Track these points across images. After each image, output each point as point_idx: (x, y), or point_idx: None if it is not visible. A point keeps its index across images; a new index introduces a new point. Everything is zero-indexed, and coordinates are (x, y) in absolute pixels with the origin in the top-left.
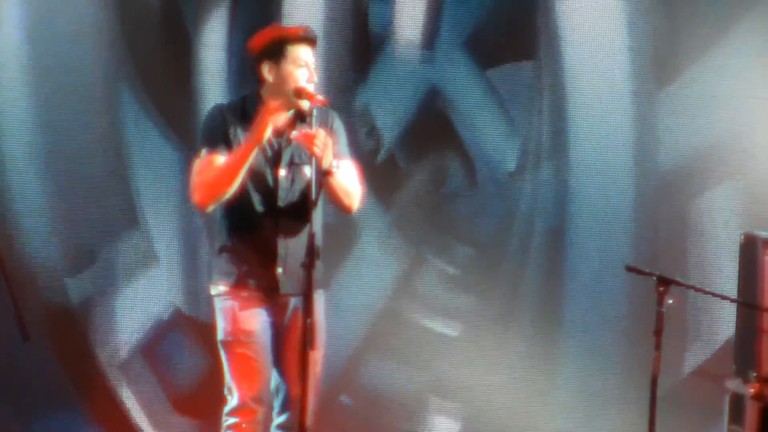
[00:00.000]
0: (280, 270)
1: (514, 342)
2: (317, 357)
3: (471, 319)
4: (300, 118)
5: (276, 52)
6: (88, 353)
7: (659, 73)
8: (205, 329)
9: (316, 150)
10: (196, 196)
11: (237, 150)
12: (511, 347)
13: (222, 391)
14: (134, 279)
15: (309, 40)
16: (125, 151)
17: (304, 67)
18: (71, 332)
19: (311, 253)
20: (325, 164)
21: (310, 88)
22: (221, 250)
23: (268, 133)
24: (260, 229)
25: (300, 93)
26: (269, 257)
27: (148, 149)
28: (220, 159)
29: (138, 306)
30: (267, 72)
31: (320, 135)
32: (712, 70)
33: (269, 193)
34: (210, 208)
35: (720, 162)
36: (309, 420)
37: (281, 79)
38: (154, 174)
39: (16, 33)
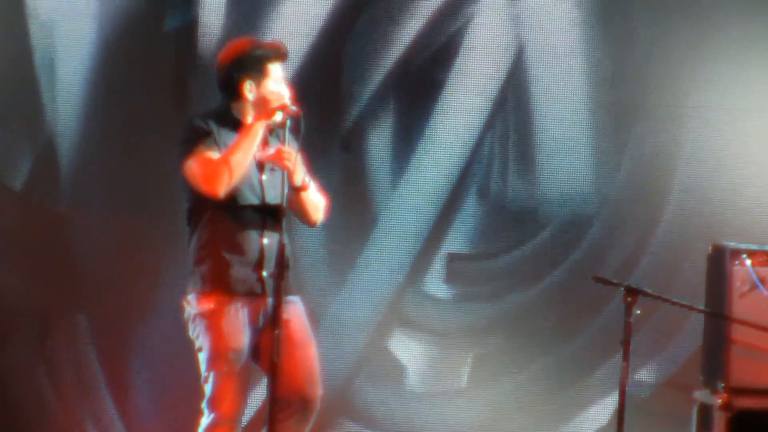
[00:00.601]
0: (265, 273)
1: (492, 356)
2: (314, 352)
3: (448, 333)
4: (271, 129)
5: (257, 69)
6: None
7: (628, 84)
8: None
9: (288, 164)
10: (209, 186)
11: (238, 141)
12: (489, 361)
13: (197, 406)
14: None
15: (286, 55)
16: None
17: (283, 83)
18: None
19: (281, 263)
20: (297, 180)
21: (288, 102)
22: (206, 259)
23: (264, 125)
24: (247, 234)
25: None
26: (256, 261)
27: None
28: (216, 154)
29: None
30: (248, 90)
31: (291, 152)
32: (681, 81)
33: (255, 197)
34: (223, 193)
35: (688, 172)
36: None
37: (263, 96)
38: None
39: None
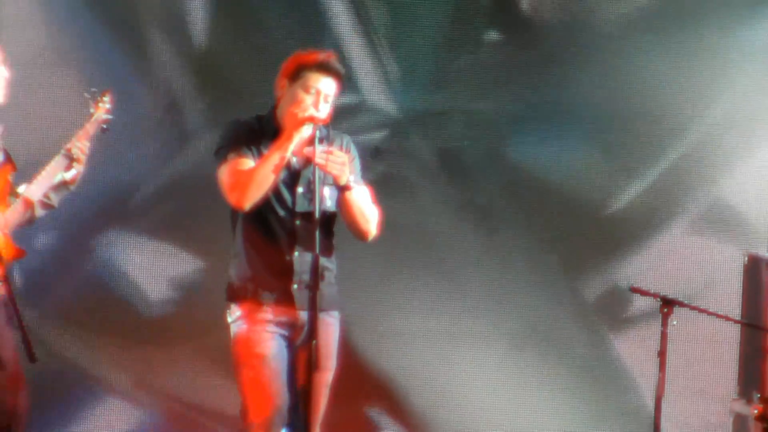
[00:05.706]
0: (295, 286)
1: (517, 357)
2: (327, 379)
3: (476, 334)
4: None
5: (293, 74)
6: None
7: (665, 93)
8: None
9: (332, 168)
10: (234, 197)
11: (267, 155)
12: (514, 362)
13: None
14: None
15: (325, 70)
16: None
17: (313, 95)
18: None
19: (315, 273)
20: (342, 180)
21: (315, 113)
22: (237, 268)
23: (296, 139)
24: (275, 245)
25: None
26: (284, 273)
27: None
28: (250, 162)
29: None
30: (279, 89)
31: (336, 152)
32: (711, 92)
33: (287, 210)
34: (248, 206)
35: (724, 182)
36: None
37: (289, 99)
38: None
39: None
